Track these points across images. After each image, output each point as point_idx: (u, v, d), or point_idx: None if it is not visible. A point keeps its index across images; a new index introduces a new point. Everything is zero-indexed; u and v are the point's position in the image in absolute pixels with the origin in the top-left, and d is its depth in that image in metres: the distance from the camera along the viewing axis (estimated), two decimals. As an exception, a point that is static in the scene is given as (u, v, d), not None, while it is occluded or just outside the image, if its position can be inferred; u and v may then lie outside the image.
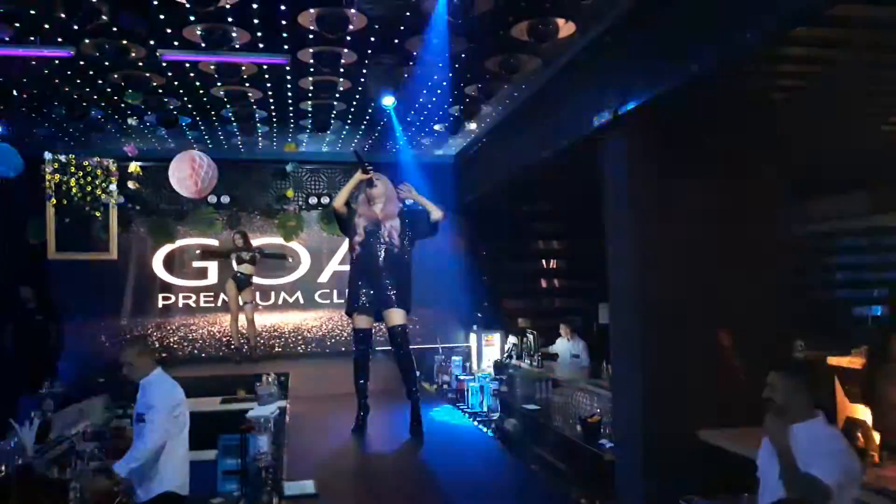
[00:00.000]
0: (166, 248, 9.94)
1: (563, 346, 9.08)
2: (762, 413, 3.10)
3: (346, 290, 5.69)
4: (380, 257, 5.36)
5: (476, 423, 7.07)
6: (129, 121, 7.50)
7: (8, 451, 4.46)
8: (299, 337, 10.31)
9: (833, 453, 2.84)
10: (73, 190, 8.41)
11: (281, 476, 4.23)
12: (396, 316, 5.18)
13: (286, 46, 5.65)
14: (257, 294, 9.91)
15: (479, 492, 3.84)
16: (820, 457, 2.83)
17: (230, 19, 5.10)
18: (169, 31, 5.28)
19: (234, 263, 9.33)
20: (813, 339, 8.98)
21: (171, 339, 9.74)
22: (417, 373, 6.52)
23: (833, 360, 7.36)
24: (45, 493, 4.13)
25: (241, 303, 9.26)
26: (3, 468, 4.29)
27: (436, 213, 5.73)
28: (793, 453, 2.87)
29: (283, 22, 5.15)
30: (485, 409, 7.68)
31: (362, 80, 6.33)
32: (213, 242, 10.04)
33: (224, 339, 9.93)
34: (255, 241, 9.74)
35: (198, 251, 9.85)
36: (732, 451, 4.38)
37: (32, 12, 4.92)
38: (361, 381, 5.27)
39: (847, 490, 2.86)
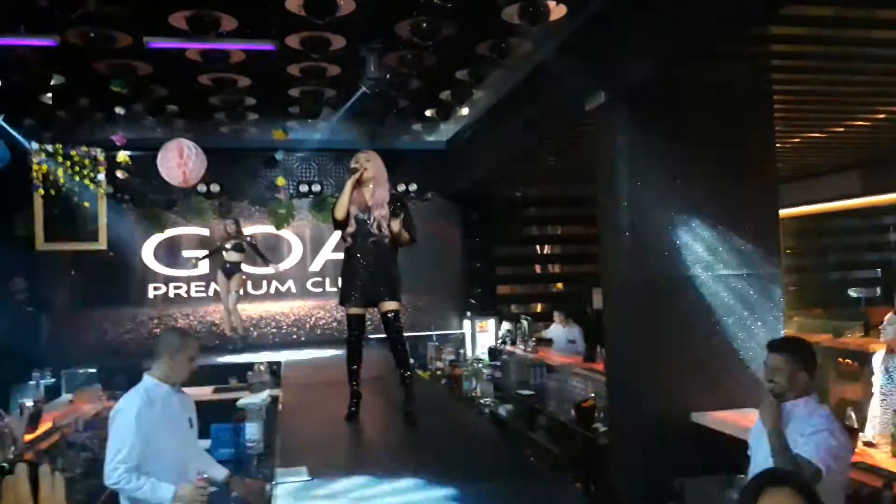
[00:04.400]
0: (157, 238, 9.87)
1: (559, 331, 9.09)
2: (754, 394, 3.09)
3: (339, 281, 5.50)
4: (371, 248, 5.04)
5: (470, 408, 7.07)
6: (116, 109, 7.42)
7: (-2, 442, 4.42)
8: (292, 325, 10.28)
9: (824, 435, 2.85)
10: (61, 180, 8.33)
11: (274, 463, 4.21)
12: (389, 302, 5.06)
13: (274, 32, 5.59)
14: (249, 283, 9.88)
15: (475, 477, 3.82)
16: (811, 437, 2.83)
17: (217, 5, 5.04)
18: (155, 18, 5.21)
19: (223, 252, 9.27)
20: (809, 318, 9.04)
21: (163, 329, 9.67)
22: (411, 360, 6.48)
23: (826, 341, 7.40)
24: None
25: (228, 290, 9.21)
26: (-6, 460, 4.26)
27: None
28: (783, 434, 2.86)
29: (271, 7, 5.08)
30: (479, 394, 7.68)
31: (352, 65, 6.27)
32: (204, 231, 9.98)
33: (216, 329, 9.89)
34: (247, 230, 9.69)
35: (198, 258, 9.68)
36: (724, 433, 4.39)
37: (15, 1, 4.86)
38: (354, 367, 5.17)
39: (838, 472, 2.87)
